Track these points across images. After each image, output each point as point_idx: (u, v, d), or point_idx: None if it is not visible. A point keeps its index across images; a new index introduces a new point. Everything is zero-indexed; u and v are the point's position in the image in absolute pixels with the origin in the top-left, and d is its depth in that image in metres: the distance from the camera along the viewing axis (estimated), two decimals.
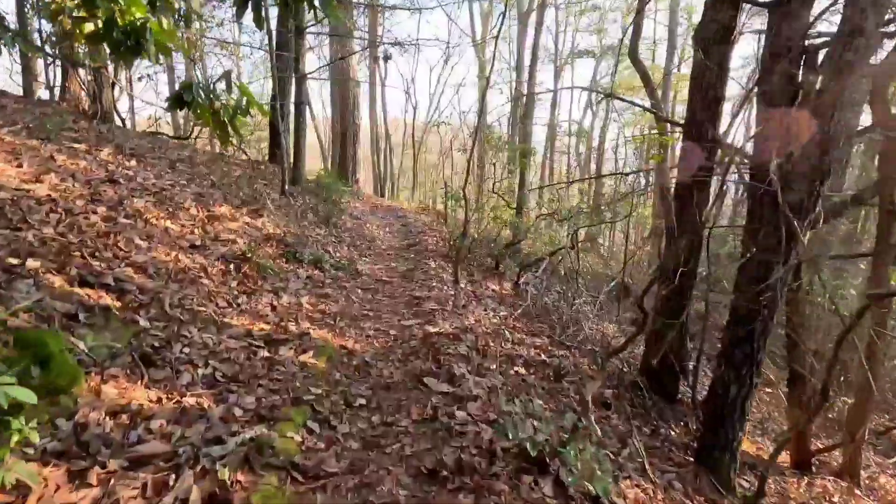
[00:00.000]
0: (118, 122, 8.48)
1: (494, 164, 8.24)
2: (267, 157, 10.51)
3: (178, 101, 3.07)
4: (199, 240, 4.44)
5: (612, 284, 7.75)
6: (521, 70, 17.74)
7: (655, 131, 7.23)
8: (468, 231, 6.72)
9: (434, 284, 5.67)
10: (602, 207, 9.53)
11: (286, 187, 7.75)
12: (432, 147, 22.91)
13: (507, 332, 4.98)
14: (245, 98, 3.04)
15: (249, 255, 4.52)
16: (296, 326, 3.70)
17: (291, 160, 8.71)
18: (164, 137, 9.28)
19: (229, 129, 3.15)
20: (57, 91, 9.56)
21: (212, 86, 3.25)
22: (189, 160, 7.29)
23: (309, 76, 10.09)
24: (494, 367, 3.80)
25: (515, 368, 3.95)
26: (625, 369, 4.89)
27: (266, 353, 3.08)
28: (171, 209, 4.84)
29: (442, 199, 17.02)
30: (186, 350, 2.76)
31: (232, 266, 4.27)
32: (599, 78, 23.85)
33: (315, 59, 19.18)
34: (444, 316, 4.64)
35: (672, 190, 4.78)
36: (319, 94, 30.60)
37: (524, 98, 17.64)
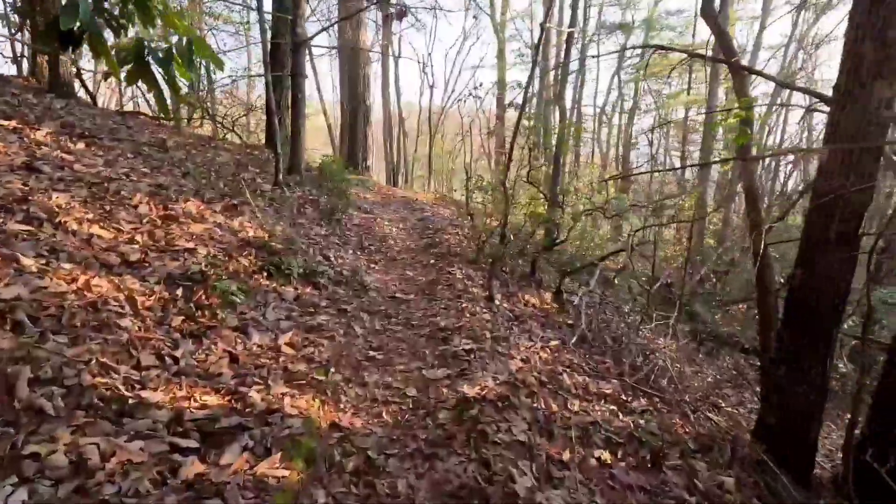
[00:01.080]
0: (87, 98, 7.24)
1: (531, 149, 6.83)
2: (264, 142, 9.20)
3: (60, 36, 1.85)
4: (138, 252, 3.15)
5: (657, 286, 6.34)
6: (547, 48, 16.17)
7: (736, 106, 5.73)
8: (506, 234, 5.33)
9: (463, 305, 4.33)
10: (665, 202, 8.05)
11: (280, 176, 6.44)
12: (448, 133, 21.42)
13: (565, 375, 3.64)
14: (188, 39, 1.82)
15: (209, 273, 3.22)
16: (263, 394, 2.40)
17: (290, 145, 7.40)
18: (142, 118, 8.03)
19: (162, 79, 1.99)
20: (27, 65, 8.36)
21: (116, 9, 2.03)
22: (163, 144, 6.01)
23: (310, 43, 8.73)
24: (568, 454, 2.47)
25: (597, 454, 2.60)
26: (736, 435, 3.52)
27: (195, 469, 1.78)
28: (109, 207, 3.56)
29: (462, 189, 15.61)
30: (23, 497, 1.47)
31: (180, 291, 2.97)
32: (624, 63, 22.04)
33: (321, 33, 17.72)
34: (482, 358, 3.31)
35: (813, 190, 3.33)
36: (329, 76, 29.17)
37: (552, 75, 16.05)
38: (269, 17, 8.43)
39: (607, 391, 3.67)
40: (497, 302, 4.83)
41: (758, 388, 4.33)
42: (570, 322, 5.48)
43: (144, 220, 3.62)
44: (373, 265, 5.55)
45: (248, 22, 11.34)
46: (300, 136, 7.20)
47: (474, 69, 24.60)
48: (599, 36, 20.51)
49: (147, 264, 3.09)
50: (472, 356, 3.27)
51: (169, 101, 8.84)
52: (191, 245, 3.58)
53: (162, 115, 8.71)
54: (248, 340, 2.91)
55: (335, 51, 15.36)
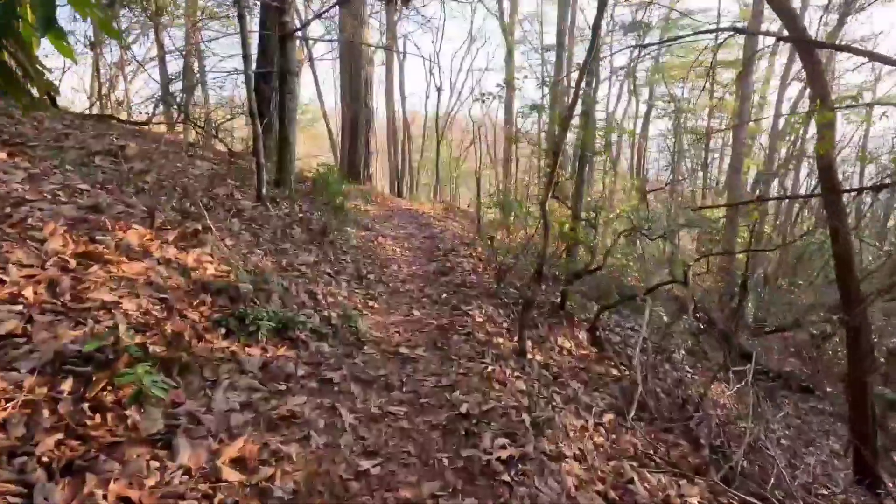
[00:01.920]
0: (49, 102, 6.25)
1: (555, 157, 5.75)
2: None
3: None
4: (16, 318, 2.12)
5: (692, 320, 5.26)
6: (561, 49, 15.21)
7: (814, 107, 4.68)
8: (544, 270, 4.23)
9: (488, 368, 3.27)
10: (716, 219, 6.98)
11: (264, 191, 5.43)
12: (454, 139, 20.42)
13: (635, 476, 2.59)
14: None
15: (124, 348, 2.19)
16: None
17: (277, 153, 6.40)
18: (114, 122, 7.05)
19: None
20: None
21: None
22: (119, 153, 5.01)
23: (309, 42, 7.78)
24: None
25: None
26: None
27: None
28: None
29: (474, 199, 14.53)
30: None
31: (68, 384, 1.94)
32: (640, 63, 20.99)
33: (314, 20, 16.81)
34: (527, 475, 2.25)
35: None
36: (332, 81, 28.31)
37: (573, 78, 15.00)
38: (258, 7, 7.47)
39: (694, 501, 2.61)
40: (529, 355, 3.77)
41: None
42: (615, 373, 4.43)
43: (49, 263, 2.60)
44: (371, 302, 4.50)
45: (228, 16, 10.38)
46: (290, 143, 6.20)
47: (482, 72, 23.62)
48: (613, 33, 19.51)
49: (25, 339, 2.06)
50: (512, 471, 2.21)
51: (154, 103, 7.70)
52: (112, 298, 2.55)
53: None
54: (169, 462, 1.87)
55: (337, 53, 14.43)
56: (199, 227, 3.87)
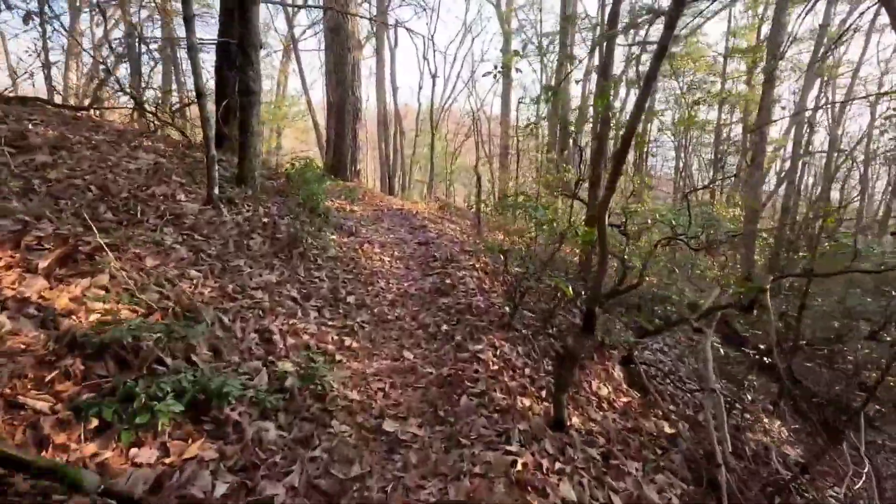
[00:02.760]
0: None
1: (582, 147, 4.69)
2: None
3: None
4: None
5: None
6: (565, 36, 14.13)
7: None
8: (601, 299, 3.10)
9: (518, 463, 2.17)
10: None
11: (216, 191, 4.30)
12: (448, 133, 19.26)
13: None
14: None
15: None
16: None
17: (238, 145, 5.25)
18: (45, 106, 5.85)
19: None
20: None
21: None
22: (24, 140, 3.86)
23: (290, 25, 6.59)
24: None
25: None
26: None
27: None
28: None
29: (472, 198, 13.37)
30: None
31: None
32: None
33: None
34: None
35: None
36: (322, 75, 26.99)
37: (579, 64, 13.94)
38: None
39: None
40: (567, 421, 2.69)
41: None
42: (667, 428, 3.37)
43: None
44: (348, 339, 3.39)
45: None
46: (251, 132, 5.05)
47: (478, 62, 22.45)
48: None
49: None
50: None
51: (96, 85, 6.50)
52: None
53: (85, 107, 6.55)
54: None
55: (323, 38, 13.22)
56: (105, 243, 2.73)
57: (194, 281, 3.10)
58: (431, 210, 10.91)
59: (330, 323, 3.56)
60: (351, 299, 4.12)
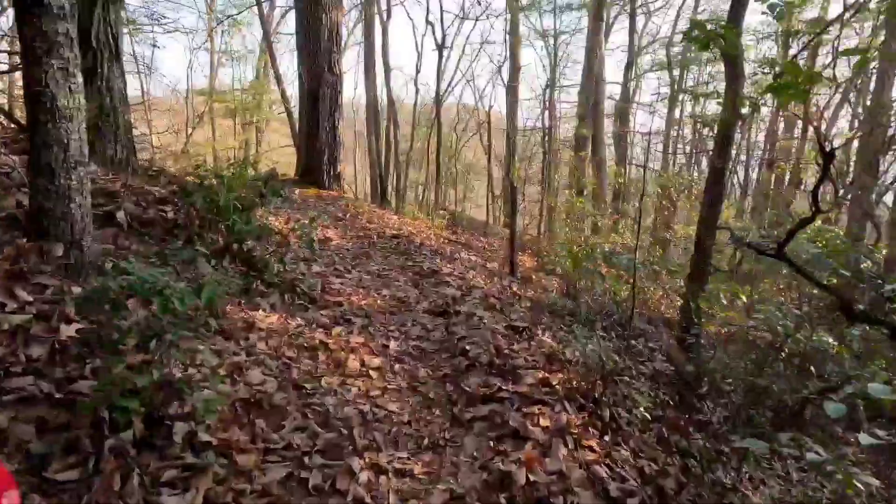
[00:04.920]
0: None
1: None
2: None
3: None
4: None
5: None
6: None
7: None
8: None
9: None
10: None
11: None
12: (450, 127, 16.40)
13: None
14: None
15: None
16: None
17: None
18: None
19: None
20: None
21: None
22: None
23: None
24: None
25: None
26: None
27: None
28: None
29: (502, 215, 10.32)
30: None
31: None
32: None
33: None
34: None
35: None
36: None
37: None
38: None
39: None
40: None
41: None
42: None
43: None
44: None
45: None
46: (58, 99, 2.20)
47: (480, 45, 19.55)
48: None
49: None
50: None
51: None
52: None
53: None
54: None
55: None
56: None
57: None
58: (438, 229, 8.10)
59: None
60: None
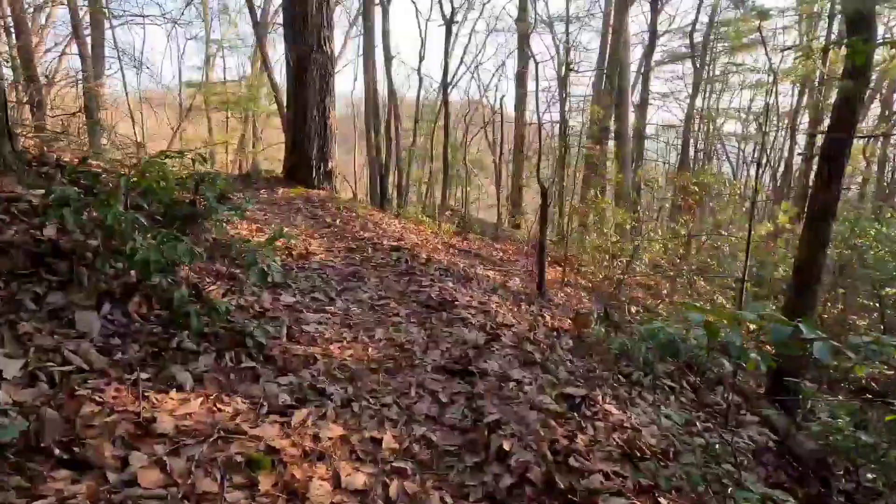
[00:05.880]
0: None
1: None
2: None
3: None
4: None
5: None
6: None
7: None
8: None
9: None
10: None
11: None
12: (455, 123, 15.16)
13: None
14: None
15: None
16: None
17: None
18: None
19: None
20: None
21: None
22: None
23: None
24: None
25: None
26: None
27: None
28: None
29: (530, 225, 9.04)
30: None
31: None
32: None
33: None
34: None
35: None
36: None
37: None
38: None
39: None
40: None
41: None
42: None
43: None
44: None
45: None
46: None
47: (486, 33, 18.29)
48: None
49: None
50: None
51: None
52: None
53: None
54: None
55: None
56: None
57: None
58: (446, 236, 6.92)
59: None
60: None
